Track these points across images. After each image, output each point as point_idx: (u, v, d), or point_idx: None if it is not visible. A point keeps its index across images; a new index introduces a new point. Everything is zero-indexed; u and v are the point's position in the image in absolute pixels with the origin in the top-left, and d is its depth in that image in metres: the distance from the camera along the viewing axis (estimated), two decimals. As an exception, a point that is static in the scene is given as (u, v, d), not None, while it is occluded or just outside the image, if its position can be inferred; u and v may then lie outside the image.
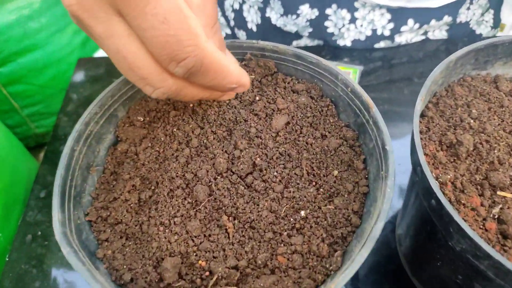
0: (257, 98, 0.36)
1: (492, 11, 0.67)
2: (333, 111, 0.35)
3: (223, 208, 0.30)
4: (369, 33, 0.62)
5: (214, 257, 0.28)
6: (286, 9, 0.63)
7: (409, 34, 0.63)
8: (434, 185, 0.27)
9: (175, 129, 0.34)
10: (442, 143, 0.32)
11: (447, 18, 0.62)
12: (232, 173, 0.31)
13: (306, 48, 0.67)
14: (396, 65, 0.63)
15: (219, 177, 0.31)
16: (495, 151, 0.31)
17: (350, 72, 0.62)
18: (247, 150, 0.32)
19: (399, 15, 0.60)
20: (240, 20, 0.71)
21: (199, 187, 0.30)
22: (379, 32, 0.62)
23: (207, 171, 0.31)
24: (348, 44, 0.64)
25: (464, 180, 0.31)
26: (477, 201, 0.30)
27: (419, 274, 0.39)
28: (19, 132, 1.14)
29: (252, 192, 0.30)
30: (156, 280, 0.27)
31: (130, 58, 0.24)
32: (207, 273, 0.27)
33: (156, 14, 0.22)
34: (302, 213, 0.29)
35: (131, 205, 0.31)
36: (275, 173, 0.31)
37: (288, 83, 0.37)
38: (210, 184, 0.31)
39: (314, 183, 0.31)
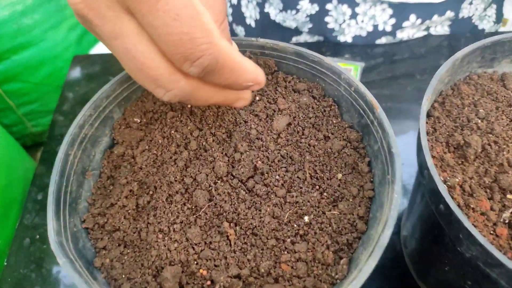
0: (257, 98, 0.35)
1: (494, 6, 0.66)
2: (336, 111, 0.34)
3: (224, 214, 0.29)
4: (370, 28, 0.61)
5: (215, 266, 0.27)
6: (286, 4, 0.62)
7: (411, 30, 0.62)
8: (443, 190, 0.26)
9: (173, 131, 0.33)
10: (449, 144, 0.31)
11: (449, 13, 0.61)
12: (232, 177, 0.30)
13: (306, 44, 0.66)
14: (398, 61, 0.62)
15: (219, 182, 0.30)
16: (504, 153, 0.30)
17: (351, 69, 0.61)
18: (247, 152, 0.31)
19: (400, 11, 0.59)
20: (238, 16, 0.70)
21: (199, 192, 0.29)
22: (380, 28, 0.61)
23: (207, 175, 0.30)
24: (349, 40, 0.63)
25: (472, 183, 0.30)
26: (487, 205, 0.29)
27: (426, 277, 0.38)
28: (15, 131, 1.12)
29: (254, 197, 0.29)
30: (156, 290, 0.26)
31: (140, 58, 0.22)
32: (209, 282, 0.26)
33: (168, 11, 0.20)
34: (306, 218, 0.29)
35: (129, 211, 0.30)
36: (277, 177, 0.30)
37: (289, 82, 0.36)
38: (210, 189, 0.30)
39: (317, 187, 0.30)
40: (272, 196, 0.29)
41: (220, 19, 0.26)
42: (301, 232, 0.28)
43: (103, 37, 0.23)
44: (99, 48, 1.07)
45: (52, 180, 0.27)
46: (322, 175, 0.31)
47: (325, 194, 0.30)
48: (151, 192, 0.30)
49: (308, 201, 0.29)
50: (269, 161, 0.31)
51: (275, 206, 0.29)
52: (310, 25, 0.63)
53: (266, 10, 0.65)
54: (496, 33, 0.67)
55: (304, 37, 0.66)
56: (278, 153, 0.31)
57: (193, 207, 0.29)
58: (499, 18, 0.68)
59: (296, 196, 0.29)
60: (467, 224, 0.25)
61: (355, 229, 0.28)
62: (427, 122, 0.33)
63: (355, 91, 0.32)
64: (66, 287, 0.44)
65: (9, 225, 0.64)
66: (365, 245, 0.27)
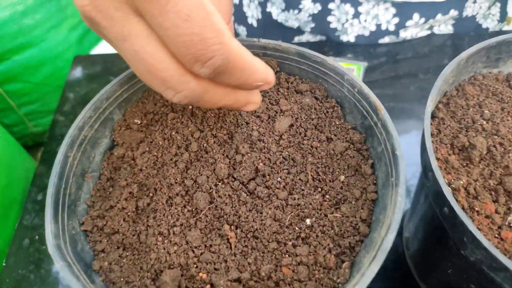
0: (259, 99, 0.34)
1: (498, 4, 0.66)
2: (338, 112, 0.34)
3: (225, 216, 0.28)
4: (373, 28, 0.60)
5: (215, 269, 0.26)
6: (288, 4, 0.61)
7: (415, 29, 0.62)
8: (448, 193, 0.26)
9: (173, 133, 0.33)
10: (454, 146, 0.31)
11: (453, 12, 0.60)
12: (233, 179, 0.30)
13: (308, 43, 0.65)
14: (401, 60, 0.61)
15: (220, 184, 0.30)
16: (510, 155, 0.30)
17: (354, 69, 0.60)
18: (249, 154, 0.31)
19: (404, 10, 0.58)
20: (240, 15, 0.69)
21: (199, 194, 0.29)
22: (383, 27, 0.60)
23: (208, 177, 0.30)
24: (352, 39, 0.62)
25: (477, 185, 0.29)
26: (492, 208, 0.28)
27: (428, 279, 0.38)
28: (16, 131, 1.12)
29: (255, 199, 0.29)
30: (155, 294, 0.26)
31: (150, 60, 0.22)
32: (208, 286, 0.26)
33: (178, 12, 0.20)
34: (308, 221, 0.28)
35: (128, 213, 0.29)
36: (279, 179, 0.30)
37: (292, 83, 0.36)
38: (210, 191, 0.29)
39: (319, 189, 0.30)
40: (273, 198, 0.29)
41: (226, 19, 0.26)
42: (302, 235, 0.28)
43: (111, 39, 0.23)
44: (100, 48, 1.07)
45: (50, 182, 0.27)
46: (325, 177, 0.30)
47: (327, 196, 0.29)
48: (151, 194, 0.30)
49: (310, 204, 0.29)
50: (271, 163, 0.30)
51: (277, 209, 0.28)
52: (313, 25, 0.63)
53: (268, 9, 0.64)
54: (500, 32, 0.67)
55: (307, 37, 0.66)
56: (280, 155, 0.31)
57: (193, 210, 0.29)
58: (503, 16, 0.67)
59: (298, 199, 0.29)
60: (472, 227, 0.25)
61: (357, 232, 0.28)
62: (431, 123, 0.33)
63: (359, 92, 0.31)
64: (65, 288, 0.44)
65: (9, 225, 0.64)
66: (368, 249, 0.26)
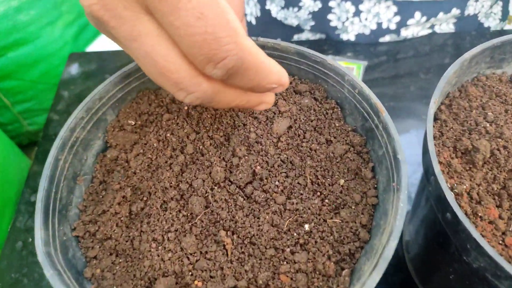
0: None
1: (500, 3, 0.65)
2: (338, 114, 0.33)
3: (221, 221, 0.27)
4: (374, 26, 0.59)
5: (211, 277, 0.25)
6: (287, 1, 0.60)
7: (416, 28, 0.61)
8: (450, 198, 0.25)
9: (168, 134, 0.32)
10: (456, 149, 0.30)
11: (455, 11, 0.59)
12: (230, 183, 0.29)
13: (307, 42, 0.64)
14: (402, 59, 0.60)
15: (216, 188, 0.29)
16: (514, 158, 0.29)
17: (354, 68, 0.59)
18: (246, 157, 0.30)
19: (405, 8, 0.57)
20: (238, 13, 0.68)
21: (195, 199, 0.28)
22: (384, 26, 0.59)
23: (203, 181, 0.29)
24: (352, 38, 0.61)
25: (480, 190, 0.28)
26: (495, 213, 0.28)
27: (429, 285, 0.37)
28: (11, 130, 1.11)
29: (252, 203, 0.28)
30: (148, 302, 0.25)
31: (161, 61, 0.21)
32: (204, 294, 0.25)
33: (191, 9, 0.19)
34: (306, 227, 0.27)
35: (122, 218, 0.28)
36: (277, 183, 0.29)
37: (290, 83, 0.35)
38: (206, 195, 0.28)
39: (318, 194, 0.29)
40: (271, 203, 0.28)
41: (239, 17, 0.24)
42: (301, 241, 0.27)
43: (120, 40, 0.22)
44: (96, 46, 1.06)
45: (40, 186, 0.26)
46: (324, 180, 0.29)
47: (326, 201, 0.29)
48: (145, 198, 0.29)
49: (309, 209, 0.28)
50: (269, 166, 0.30)
51: (274, 214, 0.28)
52: (312, 23, 0.62)
53: (267, 7, 0.63)
54: (502, 31, 0.66)
55: (306, 35, 0.65)
56: (278, 157, 0.30)
57: (188, 215, 0.28)
58: (505, 15, 0.67)
59: (296, 203, 0.28)
60: (476, 234, 0.24)
61: (357, 238, 0.27)
62: (433, 126, 0.32)
63: (359, 93, 0.30)
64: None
65: (4, 227, 0.63)
66: (368, 255, 0.26)
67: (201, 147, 0.31)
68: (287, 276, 0.25)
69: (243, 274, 0.25)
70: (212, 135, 0.31)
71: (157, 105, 0.34)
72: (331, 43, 0.62)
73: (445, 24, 0.62)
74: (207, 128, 0.32)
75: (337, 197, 0.29)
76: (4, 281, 0.43)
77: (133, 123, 0.33)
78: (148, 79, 0.35)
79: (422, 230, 0.37)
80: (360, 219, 0.28)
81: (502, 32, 0.65)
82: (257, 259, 0.26)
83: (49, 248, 0.25)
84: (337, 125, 0.32)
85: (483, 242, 0.24)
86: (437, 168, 0.26)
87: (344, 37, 0.62)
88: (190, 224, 0.27)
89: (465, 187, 0.28)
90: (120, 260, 0.27)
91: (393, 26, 0.59)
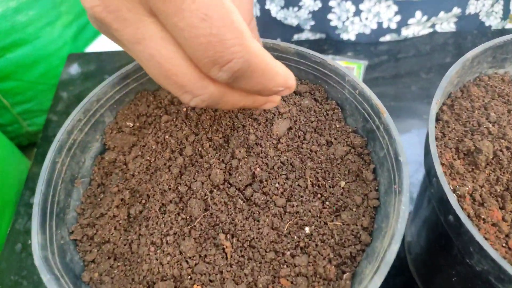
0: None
1: (501, 2, 0.64)
2: (339, 115, 0.32)
3: (220, 225, 0.27)
4: (374, 26, 0.59)
5: (210, 281, 0.25)
6: (287, 1, 0.60)
7: (417, 27, 0.60)
8: (453, 201, 0.25)
9: (167, 136, 0.31)
10: (459, 150, 0.30)
11: (456, 10, 0.59)
12: (229, 185, 0.29)
13: (307, 41, 0.64)
14: (403, 59, 0.60)
15: (215, 190, 0.28)
16: (517, 160, 0.29)
17: (354, 68, 0.59)
18: (245, 159, 0.29)
19: (406, 7, 0.57)
20: (238, 13, 0.68)
21: (194, 202, 0.28)
22: (385, 25, 0.59)
23: (202, 183, 0.29)
24: (352, 38, 0.61)
25: (483, 191, 0.28)
26: (498, 215, 0.27)
27: (431, 286, 0.37)
28: (10, 131, 1.11)
29: (252, 206, 0.28)
30: (147, 307, 0.25)
31: (166, 64, 0.21)
32: (203, 299, 0.25)
33: (195, 10, 0.18)
34: (307, 229, 0.27)
35: (120, 221, 0.28)
36: (277, 185, 0.29)
37: (290, 84, 0.34)
38: (205, 198, 0.28)
39: (319, 196, 0.28)
40: (271, 205, 0.28)
41: (247, 18, 0.24)
42: (301, 244, 0.26)
43: (123, 42, 0.21)
44: (96, 46, 1.05)
45: (37, 190, 0.26)
46: (324, 183, 0.29)
47: (327, 203, 0.28)
48: (143, 201, 0.29)
49: (309, 211, 0.28)
50: (268, 168, 0.29)
51: (274, 217, 0.27)
52: (312, 23, 0.61)
53: (267, 7, 0.63)
54: (504, 30, 0.65)
55: (306, 35, 0.65)
56: (278, 159, 0.30)
57: (187, 218, 0.27)
58: (506, 14, 0.66)
59: (297, 206, 0.28)
60: (478, 237, 0.24)
61: (358, 241, 0.27)
62: (435, 127, 0.31)
63: (360, 94, 0.30)
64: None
65: (3, 228, 0.62)
66: (370, 259, 0.25)
67: (200, 149, 0.31)
68: (287, 279, 0.25)
69: (243, 278, 0.25)
70: (211, 137, 0.31)
71: (156, 107, 0.33)
72: (331, 43, 0.62)
73: (446, 23, 0.62)
74: (206, 129, 0.32)
75: (337, 199, 0.28)
76: (3, 283, 0.42)
77: (131, 125, 0.33)
78: (147, 80, 0.34)
79: (424, 231, 0.36)
80: (361, 221, 0.27)
81: (503, 31, 0.64)
82: (257, 263, 0.26)
83: (46, 252, 0.24)
84: (337, 126, 0.32)
85: (486, 245, 0.23)
86: (439, 170, 0.26)
87: (345, 36, 0.61)
88: (189, 227, 0.27)
89: (467, 188, 0.28)
90: (119, 264, 0.27)
91: (393, 26, 0.59)
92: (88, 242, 0.28)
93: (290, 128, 0.31)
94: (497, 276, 0.24)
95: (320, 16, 0.60)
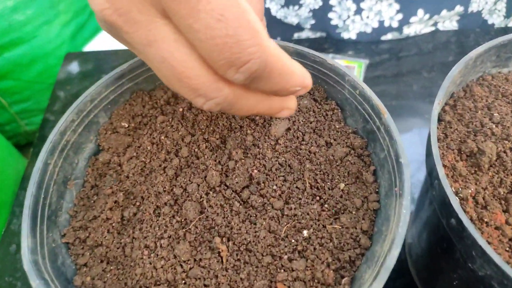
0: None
1: (505, 0, 0.63)
2: (339, 115, 0.32)
3: (216, 228, 0.26)
4: (375, 25, 0.58)
5: (205, 286, 0.24)
6: (287, -1, 0.59)
7: (418, 25, 0.59)
8: (455, 204, 0.24)
9: (163, 137, 0.31)
10: (461, 151, 0.29)
11: (458, 8, 0.58)
12: (226, 187, 0.28)
13: (307, 40, 0.63)
14: (404, 58, 0.59)
15: (211, 192, 0.28)
16: (522, 161, 0.28)
17: (355, 67, 0.58)
18: (242, 160, 0.29)
19: (408, 5, 0.56)
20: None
21: (189, 204, 0.27)
22: (386, 24, 0.58)
23: (198, 185, 0.28)
24: (353, 37, 0.60)
25: (486, 194, 0.27)
26: (502, 219, 0.27)
27: (432, 290, 0.36)
28: (8, 130, 1.10)
29: (249, 209, 0.27)
30: (140, 313, 0.24)
31: (179, 67, 0.20)
32: (198, 304, 0.24)
33: (211, 11, 0.18)
34: (305, 233, 0.26)
35: (113, 224, 0.27)
36: (274, 187, 0.28)
37: (289, 83, 0.34)
38: (201, 200, 0.27)
39: (318, 198, 0.28)
40: (268, 208, 0.27)
41: (259, 17, 0.23)
42: (299, 248, 0.26)
43: (134, 45, 0.21)
44: (94, 45, 1.04)
45: (28, 192, 0.25)
46: (323, 185, 0.28)
47: (326, 206, 0.27)
48: (137, 203, 0.28)
49: (308, 214, 0.27)
50: (266, 169, 0.29)
51: (272, 219, 0.27)
52: (313, 21, 0.60)
53: (267, 5, 0.62)
54: (507, 28, 0.64)
55: (306, 33, 0.64)
56: (276, 161, 0.29)
57: (182, 220, 0.27)
58: (509, 12, 0.65)
59: (295, 208, 0.27)
60: (481, 241, 0.23)
61: (358, 244, 0.26)
62: (437, 127, 0.31)
63: (360, 94, 0.29)
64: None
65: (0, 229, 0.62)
66: (369, 263, 0.25)
67: (196, 150, 0.30)
68: (285, 284, 0.24)
69: (239, 282, 0.24)
70: (207, 138, 0.30)
71: (151, 107, 0.33)
72: (332, 41, 0.61)
73: (448, 21, 0.61)
74: (203, 130, 0.31)
75: (337, 201, 0.28)
76: (-2, 285, 0.42)
77: (127, 125, 0.32)
78: (142, 80, 0.34)
79: (425, 233, 0.36)
80: (361, 224, 0.26)
81: (506, 29, 0.64)
82: (254, 267, 0.25)
83: (36, 256, 0.24)
84: (337, 127, 0.31)
85: (489, 250, 0.23)
86: (441, 172, 0.25)
87: (345, 35, 0.60)
88: (184, 230, 0.26)
89: (470, 191, 0.27)
90: (111, 268, 0.26)
91: (395, 24, 0.58)
92: (80, 245, 0.27)
93: (288, 129, 0.31)
94: (500, 281, 0.23)
95: (321, 15, 0.59)
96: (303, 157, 0.29)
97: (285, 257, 0.25)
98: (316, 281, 0.25)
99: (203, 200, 0.27)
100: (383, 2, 0.56)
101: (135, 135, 0.32)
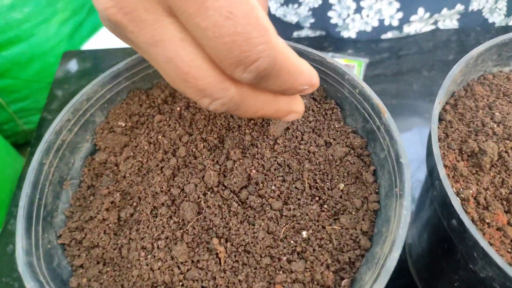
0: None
1: (506, -2, 0.63)
2: (338, 115, 0.31)
3: (214, 229, 0.26)
4: (375, 23, 0.58)
5: (203, 287, 0.24)
6: (287, -3, 0.58)
7: (419, 24, 0.59)
8: (456, 204, 0.24)
9: (160, 136, 0.30)
10: (462, 151, 0.29)
11: (459, 7, 0.58)
12: (224, 188, 0.28)
13: (307, 39, 0.63)
14: (404, 56, 0.59)
15: (209, 193, 0.27)
16: (523, 161, 0.28)
17: (355, 65, 0.58)
18: (241, 160, 0.28)
19: (408, 4, 0.55)
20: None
21: (186, 205, 0.26)
22: (386, 23, 0.57)
23: (196, 186, 0.28)
24: (353, 36, 0.60)
25: (488, 194, 0.27)
26: (504, 219, 0.26)
27: (433, 291, 0.36)
28: (6, 129, 1.10)
29: (247, 209, 0.27)
30: (137, 315, 0.24)
31: (185, 67, 0.19)
32: (195, 306, 0.24)
33: (219, 8, 0.17)
34: (304, 234, 0.26)
35: (110, 225, 0.27)
36: (273, 187, 0.28)
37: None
38: (199, 200, 0.27)
39: (317, 199, 0.27)
40: (267, 208, 0.27)
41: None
42: (298, 249, 0.25)
43: (138, 45, 0.20)
44: (92, 44, 1.04)
45: (23, 193, 0.25)
46: (323, 185, 0.28)
47: (325, 206, 0.27)
48: (134, 204, 0.28)
49: (307, 215, 0.26)
50: (265, 170, 0.28)
51: (270, 220, 0.26)
52: (312, 20, 0.60)
53: (265, 3, 0.62)
54: (507, 27, 0.64)
55: (306, 32, 0.63)
56: (275, 161, 0.29)
57: (179, 221, 0.26)
58: (510, 10, 0.65)
59: (294, 209, 0.27)
60: (483, 243, 0.23)
61: (358, 245, 0.26)
62: (438, 127, 0.30)
63: (360, 93, 0.29)
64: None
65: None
66: (370, 265, 0.24)
67: (194, 149, 0.30)
68: (283, 286, 0.24)
69: (237, 284, 0.24)
70: (205, 137, 0.30)
71: (148, 106, 0.32)
72: (331, 40, 0.61)
73: (448, 20, 0.61)
74: (201, 130, 0.30)
75: (336, 202, 0.27)
76: (-6, 286, 0.42)
77: (123, 124, 0.32)
78: (139, 79, 0.33)
79: (425, 233, 0.35)
80: (360, 225, 0.26)
81: (507, 28, 0.63)
82: (252, 268, 0.25)
83: (31, 257, 0.23)
84: (336, 126, 0.31)
85: (491, 251, 0.22)
86: (442, 172, 0.25)
87: (345, 34, 0.60)
88: (181, 231, 0.26)
89: (471, 191, 0.27)
90: (108, 269, 0.26)
91: (395, 23, 0.58)
92: (76, 246, 0.27)
93: (287, 129, 0.30)
94: (502, 283, 0.23)
95: (320, 13, 0.59)
96: (302, 157, 0.29)
97: (284, 258, 0.25)
98: (315, 282, 0.24)
99: (200, 201, 0.27)
100: (383, 1, 0.55)
101: (132, 135, 0.31)
